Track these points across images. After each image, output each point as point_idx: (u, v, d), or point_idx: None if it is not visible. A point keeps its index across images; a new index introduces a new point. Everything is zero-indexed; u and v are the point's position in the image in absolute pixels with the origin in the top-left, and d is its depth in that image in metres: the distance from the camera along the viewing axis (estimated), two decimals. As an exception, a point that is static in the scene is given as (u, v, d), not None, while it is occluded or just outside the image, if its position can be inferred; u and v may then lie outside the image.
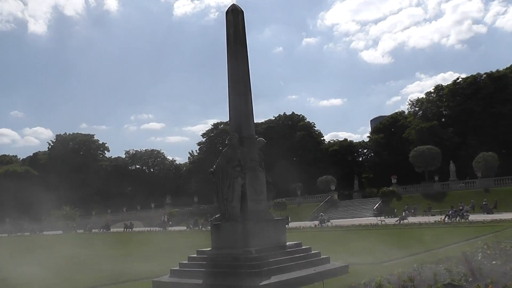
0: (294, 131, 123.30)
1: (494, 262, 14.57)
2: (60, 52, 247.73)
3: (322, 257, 16.39)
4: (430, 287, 10.84)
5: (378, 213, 66.85)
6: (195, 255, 16.41)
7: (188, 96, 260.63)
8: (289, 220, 65.01)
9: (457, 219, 47.08)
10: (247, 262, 14.47)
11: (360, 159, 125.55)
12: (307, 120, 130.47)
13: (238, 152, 15.70)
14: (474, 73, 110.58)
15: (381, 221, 49.51)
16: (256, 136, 17.40)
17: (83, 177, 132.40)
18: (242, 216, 15.42)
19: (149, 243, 42.39)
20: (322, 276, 14.00)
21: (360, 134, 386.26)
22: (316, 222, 57.52)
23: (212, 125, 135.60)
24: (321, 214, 64.72)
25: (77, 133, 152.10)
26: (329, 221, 56.91)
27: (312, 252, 16.58)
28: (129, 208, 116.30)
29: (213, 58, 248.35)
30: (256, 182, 16.11)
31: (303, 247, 16.73)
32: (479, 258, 15.53)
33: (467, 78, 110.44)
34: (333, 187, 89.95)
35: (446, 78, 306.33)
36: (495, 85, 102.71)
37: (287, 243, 16.38)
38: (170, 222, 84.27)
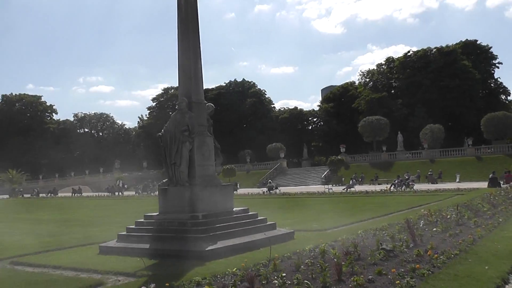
0: (245, 98, 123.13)
1: (434, 229, 15.01)
2: (2, 9, 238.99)
3: (268, 223, 16.49)
4: (372, 252, 11.04)
5: (326, 181, 67.69)
6: (142, 220, 16.27)
7: (138, 59, 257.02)
8: (238, 186, 65.43)
9: (402, 188, 48.11)
10: (193, 227, 14.44)
11: (310, 128, 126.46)
12: (258, 87, 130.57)
13: (186, 117, 15.52)
14: (425, 47, 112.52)
15: (329, 189, 50.19)
16: (205, 102, 17.23)
17: (30, 140, 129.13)
18: (189, 181, 15.33)
19: (97, 208, 41.98)
20: (270, 242, 14.15)
21: (311, 102, 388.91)
22: (265, 189, 57.93)
23: (162, 90, 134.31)
24: (270, 181, 65.20)
25: (24, 94, 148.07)
26: (277, 188, 57.32)
27: (259, 218, 16.66)
28: (77, 172, 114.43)
29: (165, 20, 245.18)
30: (204, 148, 16.00)
31: (250, 213, 16.79)
32: (421, 225, 15.95)
33: (417, 51, 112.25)
34: (282, 155, 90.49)
35: (397, 51, 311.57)
36: (444, 59, 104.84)
37: (234, 209, 16.39)
38: (126, 186, 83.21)
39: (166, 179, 16.33)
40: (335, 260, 9.62)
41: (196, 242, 13.74)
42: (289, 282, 8.86)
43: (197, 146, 15.67)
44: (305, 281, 8.74)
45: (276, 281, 8.96)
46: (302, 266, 10.31)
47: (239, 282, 9.19)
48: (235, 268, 10.30)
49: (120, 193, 74.74)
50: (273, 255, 11.40)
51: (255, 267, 10.39)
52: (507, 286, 8.58)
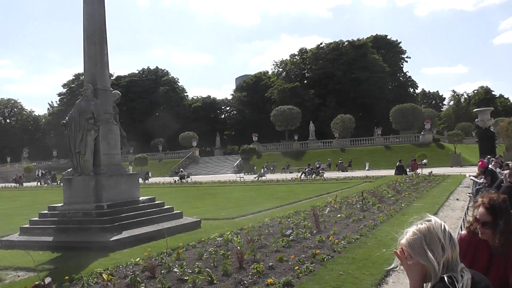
0: (158, 86, 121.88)
1: (339, 215, 15.38)
2: None
3: (175, 212, 16.34)
4: (275, 239, 11.18)
5: (238, 170, 68.09)
6: (46, 211, 15.70)
7: (48, 43, 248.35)
8: (150, 175, 64.75)
9: (313, 176, 49.03)
10: (98, 217, 14.10)
11: (223, 117, 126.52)
12: (171, 75, 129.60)
13: (92, 104, 15.08)
14: (337, 40, 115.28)
15: (240, 178, 50.43)
16: (111, 89, 16.86)
17: None
18: (94, 170, 14.96)
19: (3, 200, 40.30)
20: (176, 231, 14.06)
21: (225, 91, 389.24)
22: (177, 178, 57.56)
23: (73, 76, 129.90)
24: (181, 170, 64.93)
25: None
26: (189, 177, 57.12)
27: (165, 207, 16.48)
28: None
29: (75, 2, 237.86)
30: (110, 136, 15.64)
31: (157, 202, 16.60)
32: (327, 212, 16.29)
33: (330, 43, 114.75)
34: (195, 144, 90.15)
35: (311, 42, 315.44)
36: (356, 52, 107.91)
37: (141, 198, 16.14)
38: (49, 176, 77.38)
39: (71, 169, 15.85)
40: (238, 248, 9.66)
41: (101, 232, 13.44)
42: (190, 270, 8.84)
43: (103, 134, 15.29)
44: (206, 269, 8.74)
45: (177, 270, 8.91)
46: (205, 255, 10.31)
47: (138, 272, 9.08)
48: (138, 258, 10.19)
49: (41, 183, 68.86)
50: (178, 244, 11.39)
51: (159, 257, 10.30)
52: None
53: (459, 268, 2.70)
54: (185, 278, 8.48)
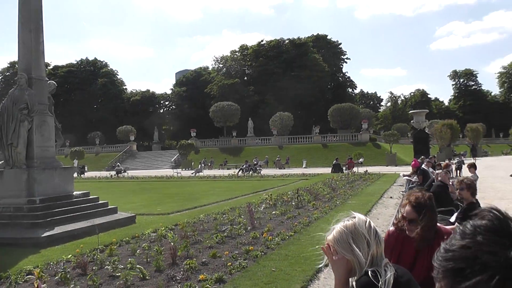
0: (96, 77, 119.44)
1: (274, 212, 15.50)
2: None
3: (109, 207, 16.08)
4: (209, 235, 11.20)
5: (175, 165, 67.66)
6: (-26, 206, 15.22)
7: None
8: (86, 169, 63.57)
9: (250, 173, 49.26)
10: (30, 213, 13.70)
11: (162, 111, 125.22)
12: (111, 67, 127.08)
13: (26, 94, 14.66)
14: (278, 38, 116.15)
15: (177, 173, 50.14)
16: (47, 79, 16.46)
17: None
18: (27, 163, 14.56)
19: None
20: (110, 226, 13.88)
21: (164, 86, 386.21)
22: (113, 173, 56.77)
23: (8, 64, 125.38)
24: (118, 164, 64.10)
25: None
26: (125, 172, 56.44)
27: (100, 202, 16.18)
28: None
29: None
30: (44, 128, 15.23)
31: (91, 197, 16.31)
32: (262, 209, 16.41)
33: (271, 41, 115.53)
34: (132, 138, 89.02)
35: (252, 39, 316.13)
36: (297, 51, 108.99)
37: (75, 193, 15.80)
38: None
39: (2, 161, 15.37)
40: (172, 244, 9.63)
41: (32, 228, 13.09)
42: (122, 266, 8.76)
43: (37, 125, 14.87)
44: (139, 265, 8.68)
45: (109, 266, 8.81)
46: (138, 251, 10.27)
47: (69, 269, 8.90)
48: (70, 255, 9.99)
49: None
50: (111, 240, 11.26)
51: (91, 253, 10.14)
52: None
53: (383, 263, 2.80)
54: (117, 274, 8.40)
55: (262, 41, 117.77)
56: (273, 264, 8.87)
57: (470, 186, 9.17)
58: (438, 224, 4.56)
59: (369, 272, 2.71)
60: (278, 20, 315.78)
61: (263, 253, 9.68)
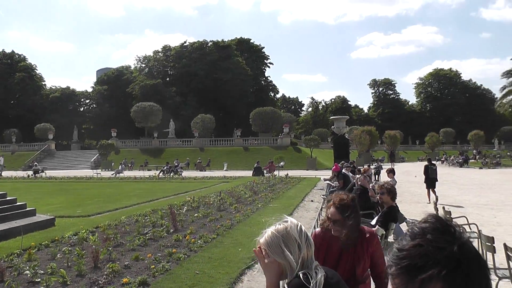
0: (13, 71, 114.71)
1: (196, 214, 15.48)
2: None
3: (28, 209, 15.54)
4: (132, 238, 11.05)
5: (95, 166, 66.33)
6: None
7: None
8: (2, 168, 61.34)
9: (171, 174, 48.92)
10: None
11: (82, 109, 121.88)
12: (29, 61, 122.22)
13: None
14: (202, 40, 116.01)
15: (97, 174, 49.18)
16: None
17: None
18: None
19: None
20: (29, 229, 13.42)
21: (85, 83, 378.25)
22: (30, 172, 54.99)
23: None
24: (35, 164, 61.97)
25: None
26: (43, 172, 54.74)
27: (18, 203, 15.64)
28: None
29: None
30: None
31: (8, 198, 15.72)
32: (184, 211, 16.33)
33: (194, 43, 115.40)
34: (51, 136, 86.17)
35: (175, 39, 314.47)
36: (220, 53, 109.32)
37: (-10, 194, 15.23)
38: None
39: None
40: (94, 247, 9.43)
41: None
42: (42, 271, 8.52)
43: None
44: (60, 269, 8.47)
45: (28, 272, 8.53)
46: (58, 255, 10.03)
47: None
48: (-15, 260, 9.60)
49: None
50: (30, 243, 10.92)
51: (8, 258, 9.79)
52: (256, 265, 9.16)
53: (314, 266, 2.89)
54: (37, 280, 8.18)
55: (185, 42, 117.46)
56: (197, 267, 8.89)
57: (391, 191, 9.54)
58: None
59: (300, 275, 2.78)
60: (202, 22, 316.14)
61: (186, 256, 9.68)
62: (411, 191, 27.47)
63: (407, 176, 39.44)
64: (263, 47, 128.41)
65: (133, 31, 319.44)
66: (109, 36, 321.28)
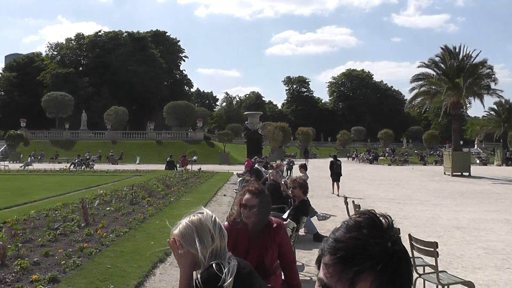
0: None
1: (108, 208, 15.37)
2: None
3: None
4: (41, 233, 10.90)
5: (3, 158, 64.06)
6: None
7: None
8: None
9: (82, 167, 48.00)
10: None
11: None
12: None
13: None
14: (117, 30, 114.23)
15: (5, 166, 47.59)
16: None
17: None
18: None
19: None
20: None
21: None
22: None
23: None
24: None
25: None
26: None
27: None
28: None
29: None
30: None
31: None
32: (96, 205, 16.16)
33: (109, 33, 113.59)
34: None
35: (88, 28, 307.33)
36: (135, 45, 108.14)
37: None
38: None
39: None
40: (1, 243, 9.24)
41: None
42: None
43: None
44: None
45: None
46: (-39, 252, 9.70)
47: None
48: None
49: None
50: None
51: None
52: (169, 258, 9.28)
53: (227, 256, 3.07)
54: None
55: (99, 31, 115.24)
56: (109, 261, 8.86)
57: (302, 185, 9.94)
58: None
59: (214, 265, 2.96)
60: (117, 12, 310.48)
61: (97, 250, 9.60)
62: (322, 186, 28.33)
63: (319, 171, 40.42)
64: (179, 40, 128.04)
65: (44, 16, 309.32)
66: (19, 19, 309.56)
